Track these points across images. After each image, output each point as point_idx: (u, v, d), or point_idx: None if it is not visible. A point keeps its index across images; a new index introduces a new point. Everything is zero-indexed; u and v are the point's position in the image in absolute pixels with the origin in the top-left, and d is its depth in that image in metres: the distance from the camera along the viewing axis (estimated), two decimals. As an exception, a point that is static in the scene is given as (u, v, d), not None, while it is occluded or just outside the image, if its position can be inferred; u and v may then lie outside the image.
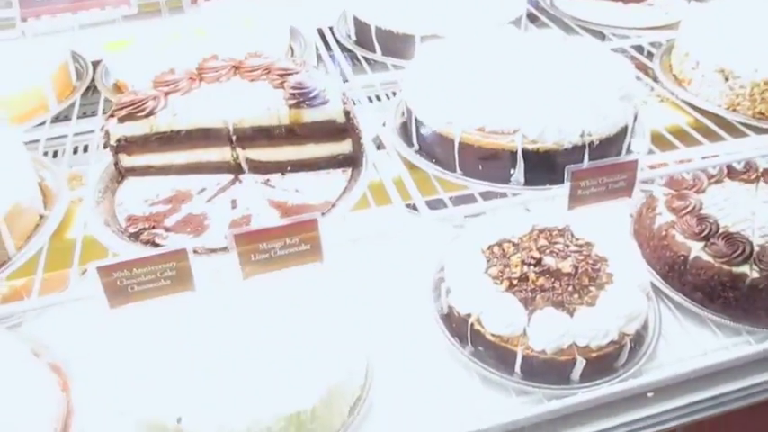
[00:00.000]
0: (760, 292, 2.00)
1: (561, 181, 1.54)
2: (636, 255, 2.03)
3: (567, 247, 2.08)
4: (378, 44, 2.25)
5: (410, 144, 1.77)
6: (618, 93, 1.64)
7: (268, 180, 1.68)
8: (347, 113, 1.62)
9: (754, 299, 2.01)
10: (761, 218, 2.13)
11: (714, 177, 2.30)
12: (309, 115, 1.62)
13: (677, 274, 2.11)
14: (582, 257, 2.03)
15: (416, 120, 1.71)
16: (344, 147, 1.67)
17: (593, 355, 1.83)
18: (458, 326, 1.97)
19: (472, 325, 1.90)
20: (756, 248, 2.02)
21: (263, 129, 1.63)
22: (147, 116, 1.63)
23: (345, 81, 2.16)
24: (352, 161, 1.68)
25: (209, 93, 1.69)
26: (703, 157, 1.78)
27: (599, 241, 2.10)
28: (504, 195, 1.62)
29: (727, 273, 2.01)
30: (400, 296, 2.15)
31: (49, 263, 1.50)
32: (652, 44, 2.35)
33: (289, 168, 1.69)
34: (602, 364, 1.86)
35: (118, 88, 2.15)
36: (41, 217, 1.58)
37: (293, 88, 1.62)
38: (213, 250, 1.44)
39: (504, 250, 2.08)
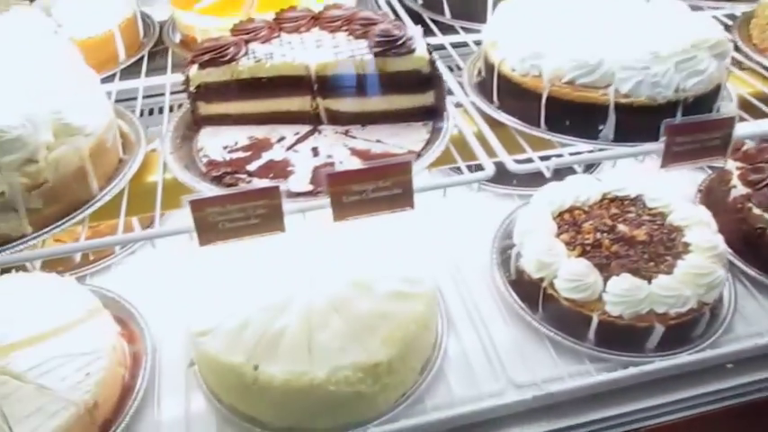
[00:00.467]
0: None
1: (650, 139, 1.48)
2: (712, 225, 1.97)
3: (640, 216, 2.04)
4: (447, 5, 2.21)
5: (490, 101, 1.73)
6: (712, 50, 1.59)
7: (348, 131, 1.65)
8: (432, 63, 1.58)
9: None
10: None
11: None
12: (395, 64, 1.58)
13: (753, 247, 2.05)
14: (656, 227, 1.99)
15: (499, 74, 1.67)
16: (427, 98, 1.63)
17: (672, 322, 1.78)
18: (528, 291, 1.93)
19: (545, 289, 1.87)
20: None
21: (345, 77, 1.60)
22: (228, 62, 1.60)
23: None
24: (433, 113, 1.64)
25: (289, 41, 1.67)
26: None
27: (672, 211, 2.04)
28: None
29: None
30: (466, 262, 2.12)
31: (129, 206, 1.48)
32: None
33: (368, 120, 1.65)
34: (679, 332, 1.81)
35: (185, 44, 2.14)
36: (120, 161, 1.57)
37: (378, 36, 1.58)
38: (299, 194, 1.42)
39: (574, 218, 2.04)
